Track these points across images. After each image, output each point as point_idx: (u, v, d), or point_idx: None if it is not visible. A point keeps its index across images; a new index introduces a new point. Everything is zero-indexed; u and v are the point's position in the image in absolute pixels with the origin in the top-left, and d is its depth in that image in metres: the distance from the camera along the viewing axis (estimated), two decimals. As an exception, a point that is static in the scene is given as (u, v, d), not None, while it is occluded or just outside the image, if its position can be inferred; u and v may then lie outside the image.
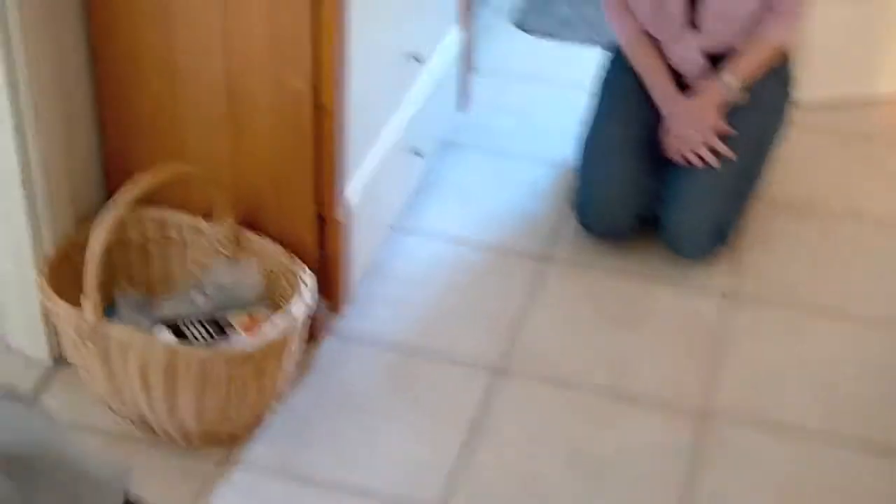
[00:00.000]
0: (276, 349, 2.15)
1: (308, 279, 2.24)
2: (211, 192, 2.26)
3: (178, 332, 2.19)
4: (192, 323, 2.22)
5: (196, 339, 2.19)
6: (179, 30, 2.18)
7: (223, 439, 2.22)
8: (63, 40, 2.19)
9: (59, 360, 2.33)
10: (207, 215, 2.31)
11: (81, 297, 2.08)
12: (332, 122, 2.21)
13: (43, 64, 2.14)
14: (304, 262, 2.27)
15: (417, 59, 2.58)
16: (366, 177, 2.42)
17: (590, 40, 3.40)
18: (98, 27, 2.23)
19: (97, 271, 2.05)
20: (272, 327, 2.16)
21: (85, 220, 2.29)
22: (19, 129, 2.13)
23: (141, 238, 2.36)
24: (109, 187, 2.36)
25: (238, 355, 2.10)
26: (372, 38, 2.31)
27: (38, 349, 2.34)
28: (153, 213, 2.34)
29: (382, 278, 2.63)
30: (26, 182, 2.18)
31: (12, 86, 2.09)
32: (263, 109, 2.21)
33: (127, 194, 2.08)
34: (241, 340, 2.20)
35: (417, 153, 2.68)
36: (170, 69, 2.23)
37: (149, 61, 2.23)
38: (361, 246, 2.45)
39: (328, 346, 2.45)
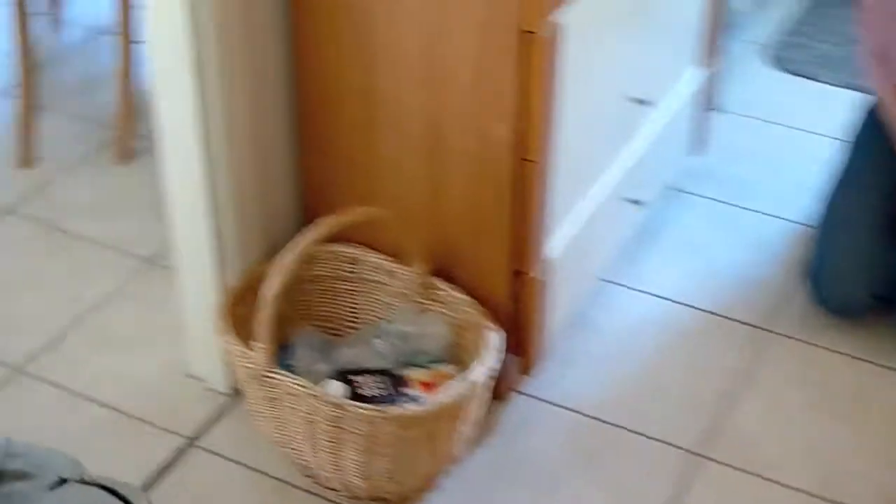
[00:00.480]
0: (451, 413, 2.01)
1: (496, 338, 2.08)
2: (404, 235, 2.14)
3: (351, 383, 2.08)
4: (367, 374, 2.10)
5: (369, 393, 2.07)
6: (382, 67, 2.06)
7: (392, 500, 2.09)
8: (261, 70, 2.10)
9: (237, 392, 2.26)
10: (399, 258, 2.19)
11: (252, 340, 1.99)
12: (537, 174, 2.05)
13: (238, 92, 2.06)
14: (495, 317, 2.12)
15: (644, 103, 2.38)
16: (572, 230, 2.24)
17: (851, 83, 3.11)
18: (300, 60, 2.14)
19: (271, 314, 1.96)
20: (449, 389, 2.02)
21: (276, 253, 2.20)
22: (210, 157, 2.06)
23: (331, 275, 2.27)
24: (306, 221, 2.27)
25: (409, 418, 1.97)
26: (589, 83, 2.13)
27: (217, 380, 2.28)
28: (346, 250, 2.24)
29: (584, 332, 2.45)
30: (214, 211, 2.11)
31: (204, 110, 2.01)
32: (463, 156, 2.07)
33: (313, 234, 1.99)
34: (415, 400, 2.07)
35: (636, 202, 2.48)
36: (371, 106, 2.11)
37: (350, 98, 2.13)
38: (561, 301, 2.28)
39: (515, 405, 2.30)
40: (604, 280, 2.55)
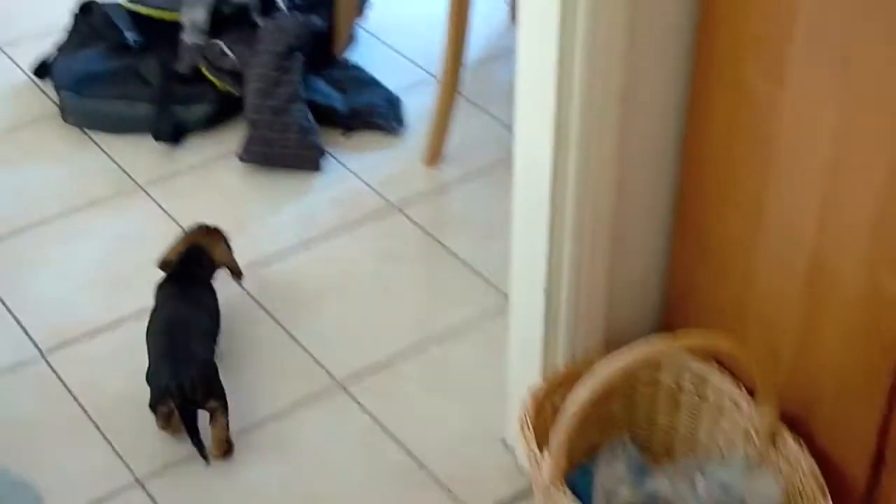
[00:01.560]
0: None
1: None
2: (762, 366, 1.81)
3: (646, 527, 1.80)
4: (669, 519, 1.81)
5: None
6: (774, 186, 1.73)
7: None
8: (639, 153, 1.84)
9: (539, 481, 2.03)
10: (749, 385, 1.87)
11: (545, 448, 1.75)
12: (933, 346, 1.65)
13: (605, 167, 1.80)
14: (839, 498, 1.76)
15: None
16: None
17: None
18: (688, 156, 1.86)
19: (569, 429, 1.70)
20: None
21: (617, 344, 1.95)
22: (557, 223, 1.83)
23: (669, 383, 1.98)
24: (662, 321, 2.00)
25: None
26: None
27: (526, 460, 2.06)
28: (694, 363, 1.94)
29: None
30: (553, 280, 1.89)
31: (560, 177, 1.78)
32: (848, 302, 1.70)
33: (657, 349, 1.73)
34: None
35: None
36: (756, 223, 1.79)
37: (735, 208, 1.81)
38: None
39: None
40: None
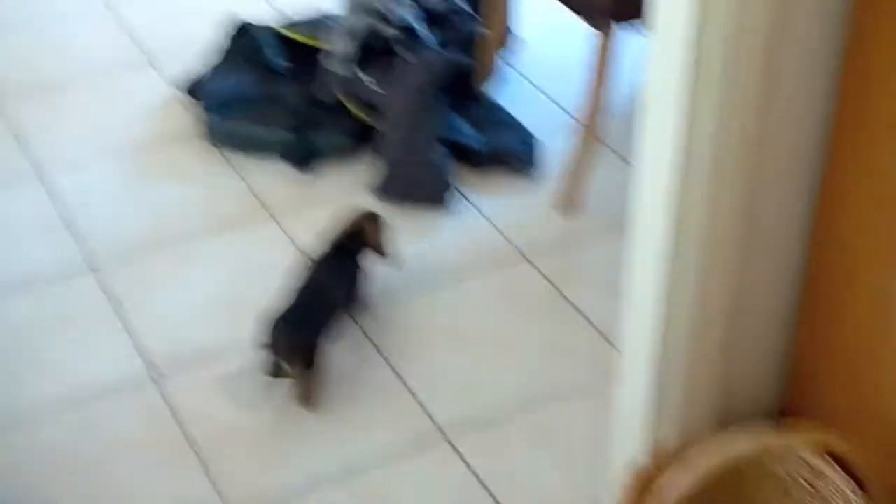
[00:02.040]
0: None
1: None
2: (873, 473, 1.70)
3: None
4: None
5: None
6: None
7: None
8: (764, 231, 1.74)
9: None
10: (863, 483, 1.75)
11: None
12: None
13: (726, 242, 1.71)
14: None
15: None
16: None
17: None
18: (817, 236, 1.76)
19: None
20: None
21: (727, 423, 1.85)
22: (671, 306, 1.75)
23: (779, 474, 1.86)
24: (779, 408, 1.90)
25: None
26: None
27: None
28: (808, 456, 1.83)
29: None
30: (663, 355, 1.80)
31: (678, 245, 1.70)
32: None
33: (755, 443, 1.64)
34: None
35: None
36: (882, 309, 1.68)
37: (861, 291, 1.71)
38: None
39: None
40: None
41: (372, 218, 2.45)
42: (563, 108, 3.00)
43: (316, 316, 2.28)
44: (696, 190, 1.64)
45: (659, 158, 1.64)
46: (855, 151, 1.65)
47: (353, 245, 2.42)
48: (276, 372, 2.21)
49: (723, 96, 1.56)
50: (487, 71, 2.97)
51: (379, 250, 2.45)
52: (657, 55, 1.59)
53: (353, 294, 2.41)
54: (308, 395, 2.24)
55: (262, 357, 2.21)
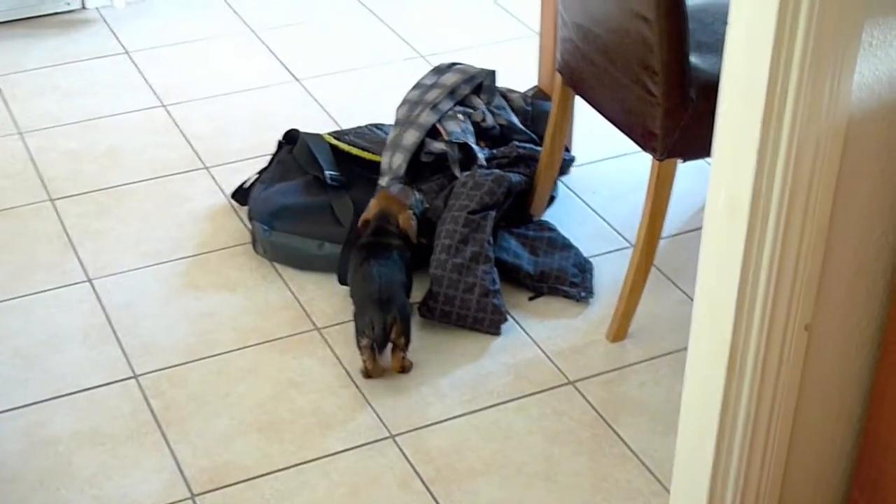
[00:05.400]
0: None
1: None
2: None
3: None
4: None
5: None
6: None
7: None
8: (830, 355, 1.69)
9: None
10: None
11: None
12: None
13: (775, 395, 1.66)
14: None
15: None
16: None
17: None
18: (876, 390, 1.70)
19: None
20: None
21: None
22: (720, 455, 1.69)
23: None
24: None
25: None
26: None
27: None
28: None
29: None
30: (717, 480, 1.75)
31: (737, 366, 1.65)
32: None
33: None
34: None
35: None
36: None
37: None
38: None
39: None
40: None
41: (399, 202, 2.67)
42: (617, 231, 2.96)
43: (398, 293, 2.52)
44: (751, 350, 1.60)
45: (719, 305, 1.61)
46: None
47: (390, 228, 2.64)
48: (384, 343, 2.47)
49: (777, 240, 1.53)
50: (543, 192, 2.94)
51: (406, 234, 2.65)
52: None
53: (410, 277, 2.63)
54: (408, 363, 2.53)
55: (369, 336, 2.44)
